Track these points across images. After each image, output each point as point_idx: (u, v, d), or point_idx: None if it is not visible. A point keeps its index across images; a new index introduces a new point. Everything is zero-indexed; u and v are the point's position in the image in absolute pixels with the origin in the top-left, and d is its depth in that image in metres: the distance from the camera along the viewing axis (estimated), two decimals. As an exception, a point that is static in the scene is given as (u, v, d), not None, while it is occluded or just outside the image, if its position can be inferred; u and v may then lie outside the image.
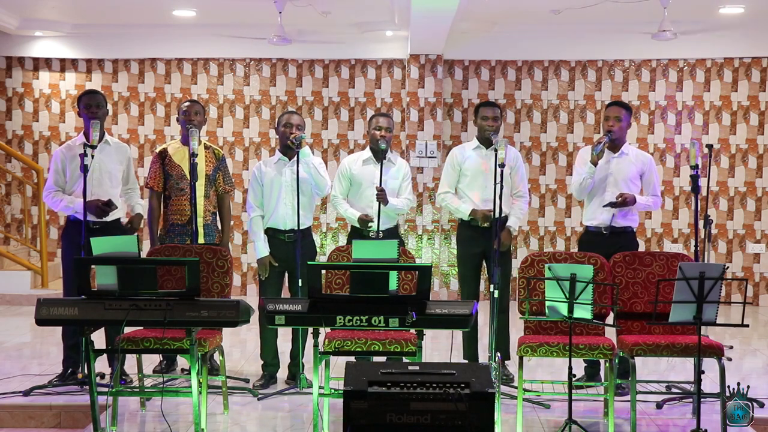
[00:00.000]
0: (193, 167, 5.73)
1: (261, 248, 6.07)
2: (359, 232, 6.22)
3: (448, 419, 3.77)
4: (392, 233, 6.24)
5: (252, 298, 9.81)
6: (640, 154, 6.22)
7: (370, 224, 6.14)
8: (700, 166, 5.74)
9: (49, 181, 6.00)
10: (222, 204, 6.35)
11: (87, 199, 5.64)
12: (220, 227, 6.36)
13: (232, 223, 10.08)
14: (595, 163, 6.00)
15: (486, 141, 6.29)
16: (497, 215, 5.65)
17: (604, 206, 6.01)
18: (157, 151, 6.34)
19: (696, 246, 5.92)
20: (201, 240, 6.08)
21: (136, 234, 5.74)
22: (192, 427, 5.04)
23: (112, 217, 5.94)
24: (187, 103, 6.34)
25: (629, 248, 5.83)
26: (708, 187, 7.26)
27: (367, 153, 6.34)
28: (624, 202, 5.97)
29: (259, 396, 5.79)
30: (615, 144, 6.08)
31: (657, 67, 10.02)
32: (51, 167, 6.03)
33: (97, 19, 9.88)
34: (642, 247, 9.91)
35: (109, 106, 10.02)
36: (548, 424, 5.30)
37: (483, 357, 6.29)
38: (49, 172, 6.05)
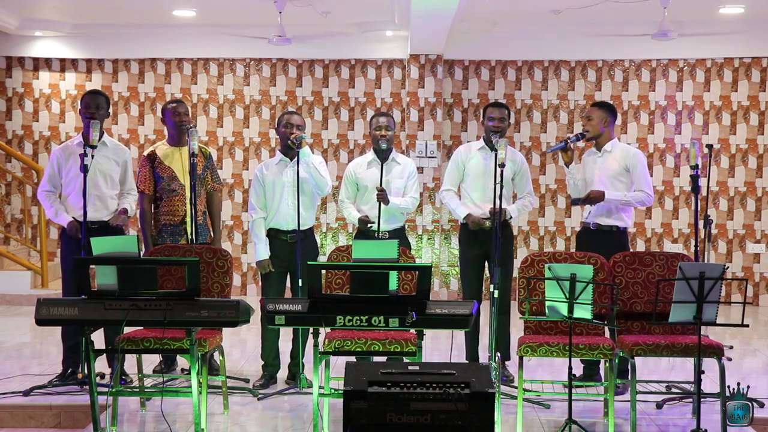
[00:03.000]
0: (193, 167, 5.72)
1: (261, 251, 6.06)
2: (365, 233, 6.21)
3: (448, 419, 3.77)
4: (398, 234, 6.22)
5: (252, 298, 9.81)
6: (626, 150, 6.13)
7: (369, 225, 6.14)
8: (700, 166, 5.73)
9: (44, 179, 6.02)
10: (211, 202, 6.32)
11: (84, 198, 5.63)
12: (211, 227, 6.34)
13: (231, 223, 10.15)
14: (566, 164, 6.10)
15: (490, 142, 6.27)
16: (498, 215, 5.65)
17: (571, 204, 6.17)
18: (146, 153, 6.28)
19: (696, 246, 5.92)
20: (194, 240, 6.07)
21: (136, 234, 5.73)
22: (192, 427, 5.04)
23: (110, 217, 5.95)
24: (174, 104, 6.27)
25: (617, 248, 5.78)
26: (708, 187, 7.26)
27: (371, 155, 6.34)
28: (587, 198, 5.98)
29: (259, 396, 5.78)
30: (597, 143, 6.11)
31: (657, 67, 10.02)
32: (47, 166, 6.03)
33: (97, 19, 9.87)
34: (642, 247, 9.93)
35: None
36: (548, 424, 5.30)
37: (483, 357, 6.29)
38: (45, 170, 6.06)
